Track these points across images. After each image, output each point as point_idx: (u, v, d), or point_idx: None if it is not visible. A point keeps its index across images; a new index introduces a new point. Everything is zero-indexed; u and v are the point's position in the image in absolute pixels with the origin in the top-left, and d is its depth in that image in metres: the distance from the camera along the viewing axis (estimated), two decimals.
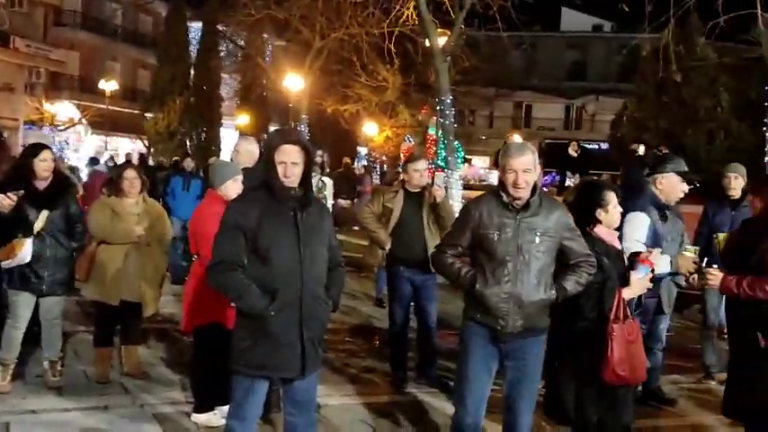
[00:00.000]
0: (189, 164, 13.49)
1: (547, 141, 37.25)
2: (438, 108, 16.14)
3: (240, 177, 5.31)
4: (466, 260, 4.24)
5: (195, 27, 34.70)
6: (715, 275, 4.26)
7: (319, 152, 22.47)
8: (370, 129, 32.38)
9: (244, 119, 35.60)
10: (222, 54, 34.85)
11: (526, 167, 4.04)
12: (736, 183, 6.67)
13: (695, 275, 4.82)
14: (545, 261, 4.10)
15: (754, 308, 4.14)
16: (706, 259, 4.67)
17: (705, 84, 22.63)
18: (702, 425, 5.88)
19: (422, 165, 6.68)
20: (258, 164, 5.53)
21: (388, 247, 6.58)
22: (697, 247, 5.50)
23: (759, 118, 15.67)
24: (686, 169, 5.25)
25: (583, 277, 4.18)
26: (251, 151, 6.03)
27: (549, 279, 4.12)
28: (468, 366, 4.18)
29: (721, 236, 4.70)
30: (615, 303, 4.22)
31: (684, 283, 5.62)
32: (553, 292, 4.11)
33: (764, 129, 15.32)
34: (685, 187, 5.24)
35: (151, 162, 27.66)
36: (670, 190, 5.11)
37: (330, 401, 6.04)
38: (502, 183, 4.14)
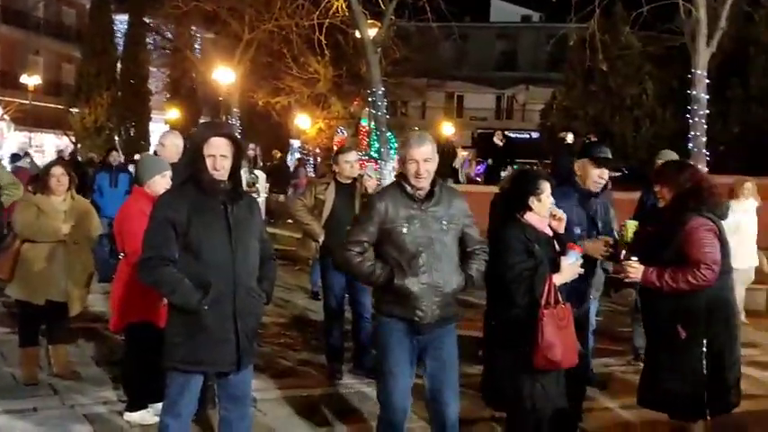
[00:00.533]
0: (115, 157, 13.12)
1: (479, 131, 37.68)
2: (370, 99, 16.11)
3: (169, 173, 5.21)
4: (369, 256, 4.19)
5: (121, 19, 33.94)
6: (635, 268, 4.33)
7: (252, 145, 22.18)
8: (303, 121, 32.18)
9: (174, 113, 35.02)
10: (150, 47, 34.17)
11: (426, 157, 4.07)
12: None
13: (619, 265, 4.78)
14: (454, 249, 4.18)
15: (673, 300, 4.24)
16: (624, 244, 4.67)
17: (631, 72, 23.10)
18: (633, 406, 6.01)
19: (352, 156, 6.68)
20: (185, 157, 5.45)
21: (321, 239, 6.57)
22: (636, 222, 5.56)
23: (682, 105, 16.08)
24: (601, 155, 5.16)
25: (482, 265, 4.26)
26: (177, 145, 5.94)
27: (458, 267, 4.17)
28: (390, 362, 4.17)
29: (630, 223, 4.69)
30: (546, 289, 4.28)
31: (611, 269, 5.69)
32: (463, 278, 4.17)
33: (687, 116, 15.72)
34: (603, 173, 5.14)
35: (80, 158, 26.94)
36: (585, 176, 5.09)
37: (266, 395, 6.00)
38: (403, 174, 4.15)
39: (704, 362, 4.23)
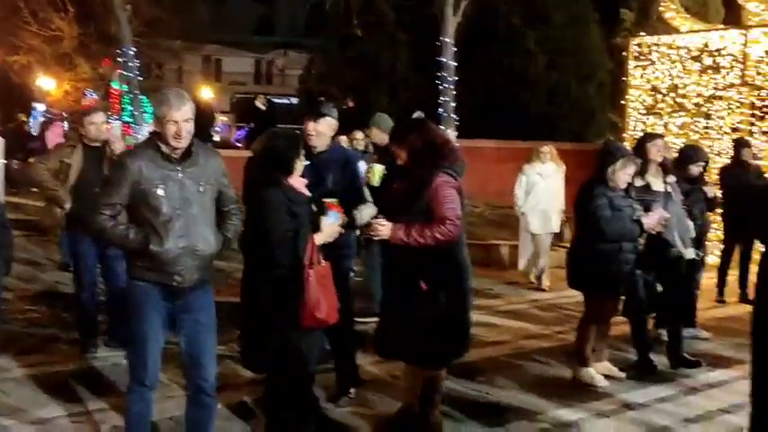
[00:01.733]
0: None
1: (238, 96, 37.18)
2: (121, 60, 15.28)
3: None
4: (122, 219, 3.97)
5: None
6: (384, 226, 4.45)
7: None
8: (47, 83, 29.82)
9: None
10: None
11: (186, 117, 3.88)
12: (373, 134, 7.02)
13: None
14: (211, 210, 4.05)
15: (417, 254, 4.41)
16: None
17: (385, 40, 23.82)
18: (380, 360, 6.21)
19: (98, 117, 6.27)
20: None
21: (67, 206, 6.11)
22: (383, 167, 5.69)
23: (434, 71, 16.85)
24: (321, 110, 5.28)
25: (239, 225, 4.21)
26: None
27: (215, 228, 4.08)
28: (144, 327, 3.98)
29: (376, 167, 4.83)
30: (309, 249, 4.29)
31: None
32: (220, 240, 4.08)
33: (438, 82, 16.50)
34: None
35: None
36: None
37: (8, 374, 5.60)
38: (159, 134, 3.95)
39: (443, 312, 4.44)
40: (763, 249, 4.39)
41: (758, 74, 11.56)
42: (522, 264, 10.68)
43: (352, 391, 5.39)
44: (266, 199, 4.33)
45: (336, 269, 4.69)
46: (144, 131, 15.00)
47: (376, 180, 4.85)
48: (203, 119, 15.58)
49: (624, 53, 13.81)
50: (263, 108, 17.90)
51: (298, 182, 4.46)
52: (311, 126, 5.17)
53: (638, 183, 6.25)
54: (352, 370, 5.48)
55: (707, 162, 7.45)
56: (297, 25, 43.48)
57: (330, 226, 4.46)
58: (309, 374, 4.56)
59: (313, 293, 4.22)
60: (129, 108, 15.46)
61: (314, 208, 4.48)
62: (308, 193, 4.48)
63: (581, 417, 5.27)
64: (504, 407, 5.42)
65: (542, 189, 9.50)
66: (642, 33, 14.05)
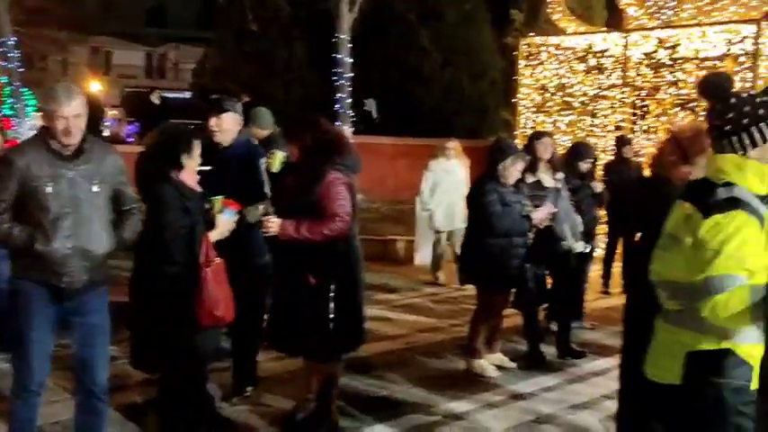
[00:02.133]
0: None
1: (128, 90, 36.11)
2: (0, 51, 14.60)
3: None
4: (7, 218, 3.79)
5: None
6: (275, 222, 4.46)
7: None
8: None
9: None
10: None
11: (76, 113, 3.76)
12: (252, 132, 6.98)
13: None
14: (105, 209, 3.93)
15: (306, 249, 4.44)
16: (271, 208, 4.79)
17: (280, 35, 23.62)
18: (280, 357, 6.21)
19: None
20: None
21: None
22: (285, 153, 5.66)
23: (330, 68, 16.84)
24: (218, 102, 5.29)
25: (137, 225, 4.12)
26: None
27: (110, 228, 3.97)
28: (31, 328, 3.84)
29: (278, 154, 4.85)
30: (204, 246, 4.23)
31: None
32: (114, 240, 3.97)
33: (334, 78, 16.52)
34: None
35: None
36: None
37: None
38: (48, 129, 3.81)
39: (332, 306, 4.48)
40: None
41: (638, 75, 12.09)
42: (418, 258, 10.83)
43: (248, 389, 5.36)
44: (159, 195, 4.24)
45: (247, 268, 4.65)
46: (26, 125, 14.40)
47: (276, 166, 4.85)
48: (92, 113, 15.05)
49: (515, 53, 14.16)
50: (158, 103, 17.50)
51: (190, 177, 4.39)
52: (214, 122, 5.12)
53: (530, 179, 6.45)
54: (251, 368, 5.44)
55: (595, 159, 7.75)
56: (190, 18, 42.63)
57: (225, 223, 4.41)
58: (204, 373, 4.50)
59: (211, 292, 4.17)
60: (10, 101, 14.78)
61: (208, 204, 4.42)
62: (199, 188, 4.42)
63: (472, 408, 5.40)
64: (397, 401, 5.49)
65: (448, 185, 9.57)
66: (532, 34, 14.45)
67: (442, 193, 9.56)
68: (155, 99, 17.47)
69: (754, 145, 2.86)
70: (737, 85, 7.54)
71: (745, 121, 2.85)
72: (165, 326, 4.23)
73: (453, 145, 9.75)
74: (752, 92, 3.00)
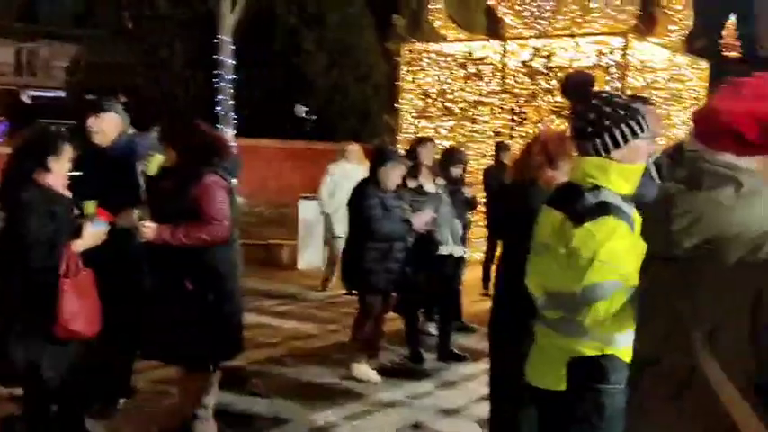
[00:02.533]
0: None
1: None
2: None
3: None
4: None
5: None
6: (150, 227, 4.31)
7: None
8: None
9: None
10: None
11: None
12: None
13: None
14: None
15: (182, 255, 4.30)
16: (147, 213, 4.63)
17: (160, 35, 23.00)
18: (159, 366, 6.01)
19: None
20: None
21: None
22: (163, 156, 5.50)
23: (212, 69, 16.54)
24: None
25: None
26: None
27: None
28: None
29: (157, 157, 4.72)
30: (67, 256, 4.02)
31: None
32: None
33: (215, 80, 16.24)
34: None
35: None
36: None
37: None
38: None
39: (209, 312, 4.36)
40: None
41: (516, 82, 12.44)
42: (301, 263, 10.75)
43: (121, 401, 5.15)
44: (23, 199, 4.00)
45: (127, 281, 4.47)
46: None
47: (153, 169, 4.68)
48: None
49: (397, 58, 14.29)
50: (29, 102, 16.70)
51: (57, 181, 4.18)
52: (92, 121, 4.91)
53: (412, 184, 6.51)
54: (126, 380, 5.23)
55: (466, 164, 7.87)
56: (63, 13, 40.88)
57: (92, 234, 4.19)
58: (67, 385, 4.26)
59: (68, 304, 3.95)
60: None
61: (77, 211, 4.22)
62: (68, 193, 4.21)
63: (342, 417, 5.31)
64: (267, 414, 5.33)
65: (347, 190, 9.39)
66: (413, 40, 14.62)
67: (340, 198, 9.42)
68: (26, 98, 16.68)
69: (617, 146, 2.80)
70: None
71: (607, 122, 2.80)
72: (19, 336, 4.00)
73: (354, 148, 9.60)
74: (612, 92, 3.02)
